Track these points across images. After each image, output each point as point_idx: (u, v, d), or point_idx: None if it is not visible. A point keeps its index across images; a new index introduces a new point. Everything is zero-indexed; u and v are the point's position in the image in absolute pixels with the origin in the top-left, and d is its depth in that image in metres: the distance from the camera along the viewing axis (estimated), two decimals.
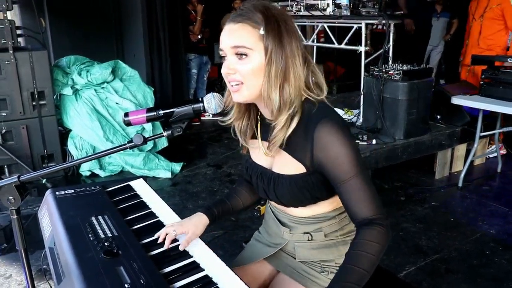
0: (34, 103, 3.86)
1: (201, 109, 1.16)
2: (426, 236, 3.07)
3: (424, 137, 3.75)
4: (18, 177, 1.19)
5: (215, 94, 1.17)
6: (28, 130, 3.89)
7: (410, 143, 3.66)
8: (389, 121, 3.67)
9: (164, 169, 4.20)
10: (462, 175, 3.85)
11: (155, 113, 1.14)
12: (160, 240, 1.34)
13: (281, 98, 1.17)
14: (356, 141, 3.55)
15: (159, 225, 1.45)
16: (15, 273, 2.66)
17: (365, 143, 3.53)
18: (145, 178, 1.86)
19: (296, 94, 1.18)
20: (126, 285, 1.08)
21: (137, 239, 1.33)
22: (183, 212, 3.72)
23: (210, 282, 1.15)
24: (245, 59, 1.16)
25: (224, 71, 1.19)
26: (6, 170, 3.85)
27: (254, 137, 1.38)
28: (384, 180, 4.00)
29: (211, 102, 1.16)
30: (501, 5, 4.14)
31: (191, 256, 1.27)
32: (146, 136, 1.15)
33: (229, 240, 3.04)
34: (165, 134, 1.17)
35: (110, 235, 1.33)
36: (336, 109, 4.25)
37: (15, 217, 1.22)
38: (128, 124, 1.15)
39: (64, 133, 4.20)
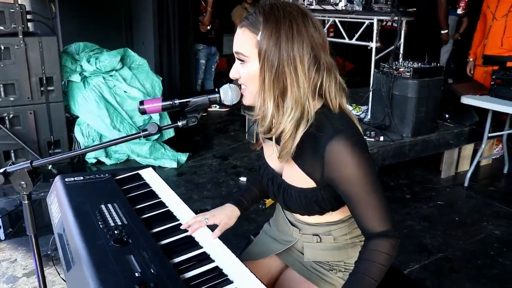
0: (42, 88, 3.85)
1: (217, 99, 1.15)
2: (431, 234, 3.06)
3: (432, 136, 3.73)
4: (31, 162, 1.19)
5: (231, 85, 1.16)
6: (36, 115, 3.88)
7: (418, 141, 3.65)
8: (397, 119, 3.65)
9: (170, 159, 4.21)
10: (469, 175, 3.84)
11: (170, 102, 1.14)
12: (184, 227, 1.34)
13: (277, 107, 1.12)
14: (364, 137, 3.53)
15: (169, 215, 1.45)
16: (20, 257, 2.68)
17: (373, 139, 3.52)
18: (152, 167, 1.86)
19: (297, 103, 1.11)
20: (136, 274, 1.08)
21: (146, 228, 1.33)
22: (188, 203, 3.72)
23: (220, 273, 1.15)
24: (244, 64, 1.16)
25: (230, 74, 1.20)
26: (12, 155, 3.86)
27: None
28: (390, 177, 3.99)
29: (227, 93, 1.15)
30: None
31: (201, 247, 1.27)
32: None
33: (234, 233, 3.03)
34: (180, 124, 1.16)
35: (119, 223, 1.32)
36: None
37: (26, 202, 1.22)
38: (143, 112, 1.14)
39: (71, 120, 4.20)
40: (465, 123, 3.98)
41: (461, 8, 5.08)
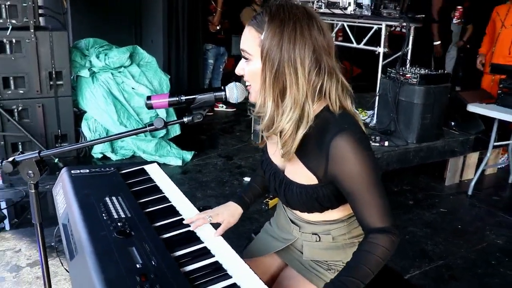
0: (51, 82, 3.90)
1: (223, 97, 1.18)
2: (432, 241, 3.06)
3: (437, 143, 3.73)
4: (39, 153, 1.21)
5: (237, 83, 1.18)
6: (44, 109, 3.93)
7: (422, 148, 3.65)
8: (403, 124, 3.65)
9: (175, 157, 4.24)
10: (473, 183, 3.83)
11: (177, 98, 1.16)
12: (187, 222, 1.36)
13: (277, 106, 1.15)
14: (367, 135, 3.55)
15: (172, 210, 1.47)
16: (24, 247, 2.71)
17: (378, 144, 3.52)
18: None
19: (296, 104, 1.13)
20: (137, 265, 1.10)
21: (149, 221, 1.35)
22: (191, 201, 3.74)
23: (220, 268, 1.17)
24: (248, 62, 1.18)
25: (236, 70, 1.23)
26: (20, 147, 3.90)
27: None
28: (393, 182, 3.99)
29: (233, 92, 1.17)
30: None
31: (202, 242, 1.29)
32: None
33: (235, 232, 3.01)
34: (185, 120, 1.18)
35: (123, 215, 1.34)
36: None
37: (33, 191, 1.24)
38: (150, 107, 1.17)
39: (79, 115, 4.24)
40: (471, 131, 3.98)
41: (455, 17, 5.11)
